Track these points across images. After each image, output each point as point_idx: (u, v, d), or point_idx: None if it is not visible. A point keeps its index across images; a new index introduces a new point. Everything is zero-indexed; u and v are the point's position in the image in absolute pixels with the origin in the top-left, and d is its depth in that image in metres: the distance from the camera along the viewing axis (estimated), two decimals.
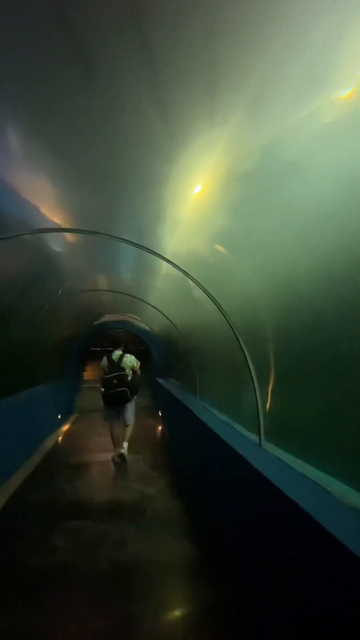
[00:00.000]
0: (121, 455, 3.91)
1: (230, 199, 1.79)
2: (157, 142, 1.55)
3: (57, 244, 2.82)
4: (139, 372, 4.16)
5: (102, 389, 3.90)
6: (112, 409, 3.97)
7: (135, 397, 4.07)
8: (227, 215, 1.92)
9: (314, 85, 1.11)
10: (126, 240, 2.35)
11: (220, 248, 2.19)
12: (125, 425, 4.04)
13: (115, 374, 3.85)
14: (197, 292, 2.57)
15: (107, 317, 7.51)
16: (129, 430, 4.05)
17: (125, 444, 3.98)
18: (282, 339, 1.98)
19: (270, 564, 1.48)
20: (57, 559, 2.18)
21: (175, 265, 2.47)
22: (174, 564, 2.14)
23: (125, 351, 4.07)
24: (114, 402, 3.88)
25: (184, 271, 2.47)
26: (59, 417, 6.22)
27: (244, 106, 1.27)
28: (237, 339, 2.21)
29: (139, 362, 4.15)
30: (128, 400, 3.91)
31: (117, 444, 4.02)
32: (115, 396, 3.83)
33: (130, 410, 4.03)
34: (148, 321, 6.46)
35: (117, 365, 3.90)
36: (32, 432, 4.56)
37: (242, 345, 2.19)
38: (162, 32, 1.07)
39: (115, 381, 3.82)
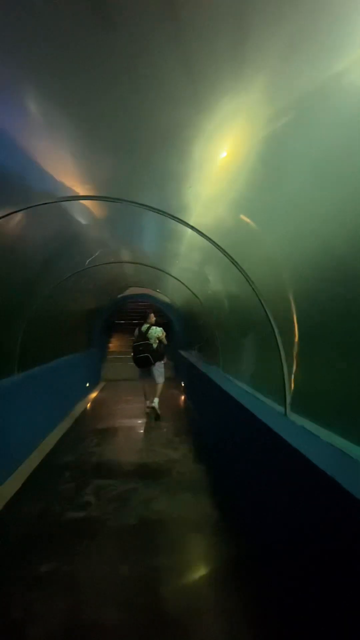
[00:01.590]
0: (152, 409, 4.83)
1: (259, 162, 1.67)
2: (182, 104, 1.47)
3: (82, 215, 2.80)
4: (164, 340, 4.93)
5: (132, 354, 4.84)
6: (141, 370, 4.90)
7: (161, 361, 4.90)
8: (255, 179, 1.80)
9: (351, 34, 1.00)
10: (150, 207, 2.28)
11: (247, 214, 2.08)
12: (155, 383, 4.91)
13: (141, 342, 4.72)
14: (222, 261, 2.49)
15: (131, 290, 7.57)
16: (158, 388, 4.91)
17: (156, 400, 4.84)
18: (311, 307, 1.89)
19: (295, 529, 1.51)
20: (89, 513, 2.35)
21: (200, 232, 2.39)
22: (198, 521, 2.25)
23: (152, 325, 4.87)
24: (140, 364, 4.79)
25: (209, 238, 2.38)
26: (87, 385, 6.52)
27: (275, 58, 1.17)
28: (264, 308, 2.14)
29: (164, 333, 4.93)
30: (151, 363, 4.75)
31: (147, 397, 5.01)
32: (140, 360, 4.74)
33: (156, 372, 4.88)
34: (170, 294, 6.44)
35: (143, 336, 4.76)
36: (63, 398, 4.82)
37: (269, 314, 2.12)
38: None
39: (140, 348, 4.71)
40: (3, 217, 2.07)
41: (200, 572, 1.84)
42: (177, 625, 1.49)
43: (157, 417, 4.71)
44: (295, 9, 1.00)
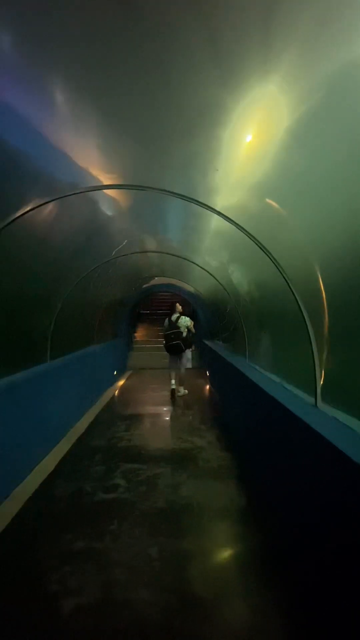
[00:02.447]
0: (176, 393, 5.34)
1: (289, 143, 1.59)
2: (208, 87, 1.43)
3: (108, 205, 2.82)
4: (193, 330, 5.37)
5: (164, 342, 5.30)
6: (171, 356, 5.36)
7: (190, 348, 5.37)
8: (285, 161, 1.71)
9: None
10: (176, 193, 2.25)
11: (277, 197, 2.00)
12: (184, 369, 5.43)
13: (172, 331, 5.19)
14: (250, 248, 2.42)
15: (156, 280, 7.61)
16: (185, 372, 5.51)
17: (181, 388, 5.45)
18: (345, 294, 1.80)
19: (326, 522, 1.48)
20: (119, 495, 2.44)
21: (227, 217, 2.33)
22: (225, 508, 2.27)
23: (181, 314, 5.35)
24: (171, 351, 5.26)
25: (236, 224, 2.32)
26: (115, 373, 6.70)
27: (304, 36, 1.11)
28: (294, 295, 2.07)
29: (192, 322, 5.38)
30: (182, 350, 5.22)
31: (174, 380, 5.42)
32: (171, 347, 5.21)
33: (185, 357, 5.36)
34: (195, 283, 6.40)
35: (174, 325, 5.22)
36: (92, 385, 4.99)
37: (299, 301, 2.05)
38: None
39: (172, 336, 5.18)
40: (33, 208, 2.13)
41: (226, 556, 1.87)
42: (201, 605, 1.53)
43: (177, 395, 5.35)
44: None
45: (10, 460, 2.45)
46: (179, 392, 5.39)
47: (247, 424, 3.09)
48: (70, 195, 2.19)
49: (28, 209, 2.12)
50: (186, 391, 5.48)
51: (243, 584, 1.65)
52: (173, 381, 5.38)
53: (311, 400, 2.01)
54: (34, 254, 2.79)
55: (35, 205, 2.13)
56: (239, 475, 2.72)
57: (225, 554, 1.89)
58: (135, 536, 2.00)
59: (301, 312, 2.04)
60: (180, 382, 5.45)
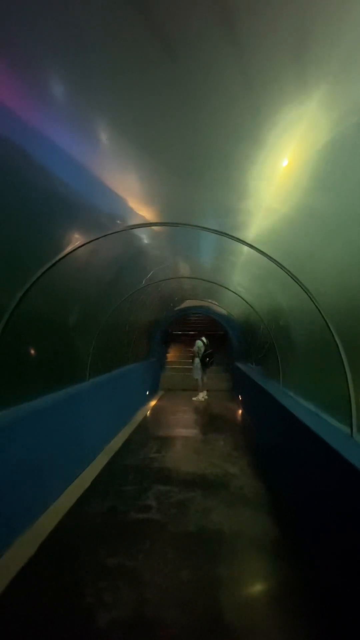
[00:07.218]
0: (202, 399, 7.14)
1: (323, 169, 1.61)
2: (241, 120, 1.48)
3: (143, 237, 3.04)
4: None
5: (207, 359, 7.28)
6: (203, 369, 7.33)
7: None
8: (317, 190, 1.77)
9: None
10: (208, 228, 2.41)
11: (309, 225, 2.04)
12: (206, 377, 7.43)
13: (208, 352, 7.34)
14: (281, 274, 2.49)
15: (187, 303, 7.77)
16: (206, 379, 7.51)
17: (205, 392, 7.33)
18: None
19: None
20: (151, 516, 2.49)
21: (258, 250, 2.43)
22: (256, 537, 2.22)
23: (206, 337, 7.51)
24: (207, 365, 7.33)
25: (268, 255, 2.41)
26: (147, 393, 6.82)
27: (338, 63, 1.15)
28: (325, 321, 2.09)
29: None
30: (212, 364, 7.48)
31: (200, 389, 7.28)
32: (209, 363, 7.34)
33: (208, 370, 7.53)
34: (227, 306, 6.47)
35: (208, 346, 7.39)
36: (126, 405, 5.14)
37: (331, 328, 2.06)
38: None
39: (210, 353, 7.28)
40: (80, 246, 2.38)
41: (257, 587, 1.82)
42: (232, 630, 1.51)
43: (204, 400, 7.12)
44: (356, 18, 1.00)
45: (49, 475, 2.61)
46: (205, 396, 7.17)
47: (281, 452, 3.02)
48: (113, 233, 2.42)
49: (77, 245, 2.37)
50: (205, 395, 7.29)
51: (274, 615, 1.61)
52: (204, 392, 7.18)
53: (347, 430, 1.97)
54: (80, 283, 3.06)
55: (83, 242, 2.38)
56: (272, 504, 2.64)
57: (255, 583, 1.85)
58: (166, 558, 2.02)
59: (334, 339, 2.05)
60: (204, 392, 7.26)
